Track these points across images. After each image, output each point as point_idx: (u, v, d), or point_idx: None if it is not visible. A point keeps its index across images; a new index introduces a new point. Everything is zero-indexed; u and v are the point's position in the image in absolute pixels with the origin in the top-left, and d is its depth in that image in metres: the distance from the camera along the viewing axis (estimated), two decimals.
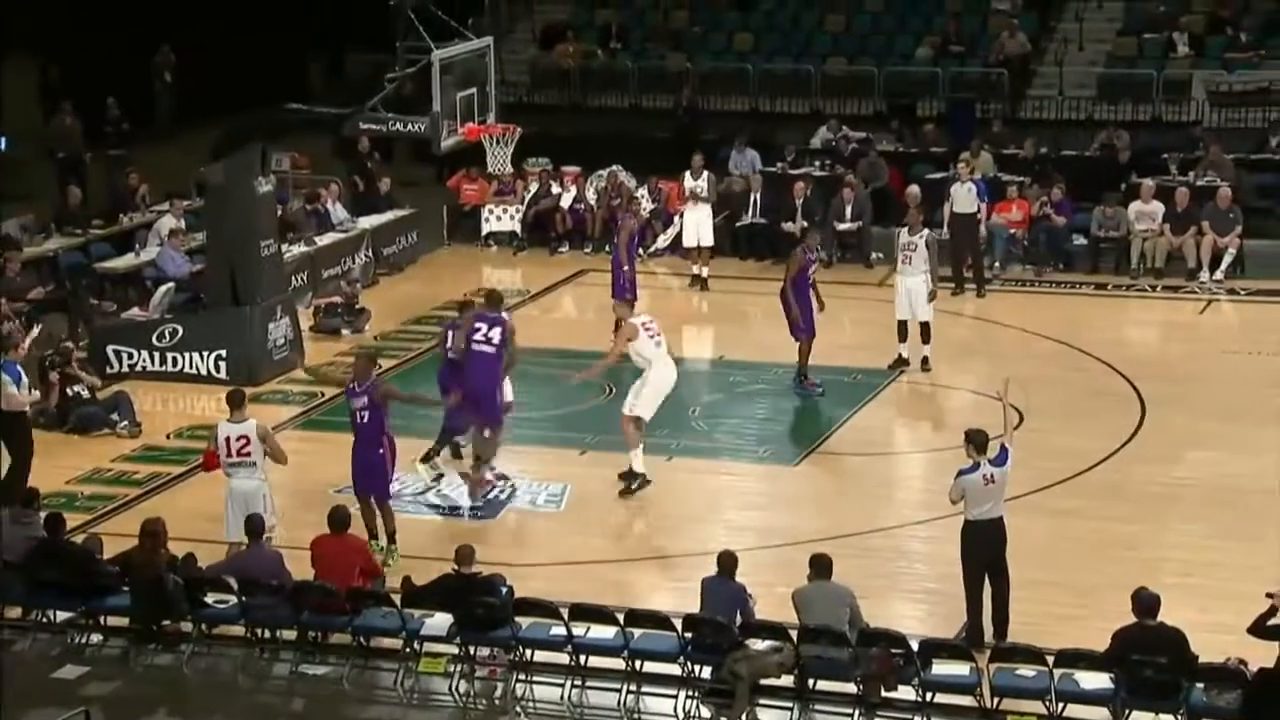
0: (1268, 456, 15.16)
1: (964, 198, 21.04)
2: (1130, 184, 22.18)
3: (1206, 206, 21.40)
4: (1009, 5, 27.89)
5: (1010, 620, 11.93)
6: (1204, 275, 21.16)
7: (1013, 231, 21.98)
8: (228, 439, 13.07)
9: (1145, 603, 10.82)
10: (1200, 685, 10.64)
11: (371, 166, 24.23)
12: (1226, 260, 21.18)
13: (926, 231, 17.91)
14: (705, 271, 21.69)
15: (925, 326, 17.79)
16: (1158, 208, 21.55)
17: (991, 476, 11.93)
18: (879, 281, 18.25)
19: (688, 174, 22.06)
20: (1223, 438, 15.84)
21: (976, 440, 12.08)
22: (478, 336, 14.65)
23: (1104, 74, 26.38)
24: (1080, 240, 22.05)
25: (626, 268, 19.12)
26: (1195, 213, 21.37)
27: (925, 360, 17.85)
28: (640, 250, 22.76)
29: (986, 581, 11.97)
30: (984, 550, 11.95)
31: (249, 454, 13.02)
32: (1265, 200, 22.70)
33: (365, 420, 13.56)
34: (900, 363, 17.87)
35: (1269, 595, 10.62)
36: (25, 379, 15.08)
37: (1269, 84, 24.98)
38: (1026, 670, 10.98)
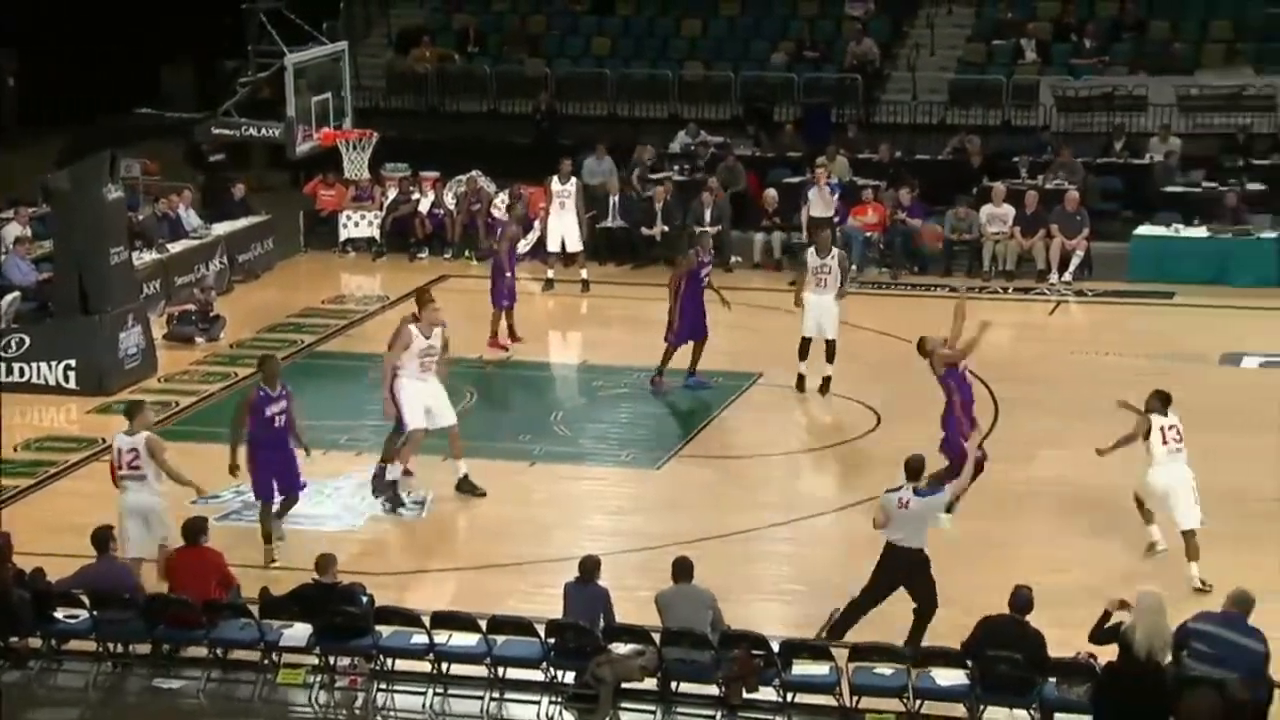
0: (1117, 455, 15.49)
1: (819, 202, 21.28)
2: (982, 187, 22.62)
3: (1055, 209, 21.87)
4: (862, 11, 28.27)
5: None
6: (1053, 277, 21.61)
7: (868, 235, 22.28)
8: (119, 450, 12.89)
9: (1020, 602, 10.97)
10: (1052, 680, 10.85)
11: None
12: (1075, 262, 21.65)
13: (837, 251, 17.71)
14: (584, 274, 21.79)
15: (831, 345, 17.39)
16: (1009, 210, 21.98)
17: (907, 502, 11.82)
18: (792, 283, 17.94)
19: (555, 178, 22.02)
20: (1074, 437, 16.14)
21: (909, 466, 12.06)
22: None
23: (955, 79, 26.84)
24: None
25: (508, 274, 19.11)
26: (1045, 215, 21.83)
27: (827, 381, 17.38)
28: None
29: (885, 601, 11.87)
30: (890, 575, 11.87)
31: (139, 467, 12.81)
32: (1110, 203, 23.24)
33: (283, 423, 13.54)
34: (801, 383, 17.53)
35: (1108, 605, 10.78)
36: None
37: (1112, 89, 25.60)
38: (885, 669, 11.11)
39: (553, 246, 21.99)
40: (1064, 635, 11.20)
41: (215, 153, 24.66)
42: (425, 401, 14.54)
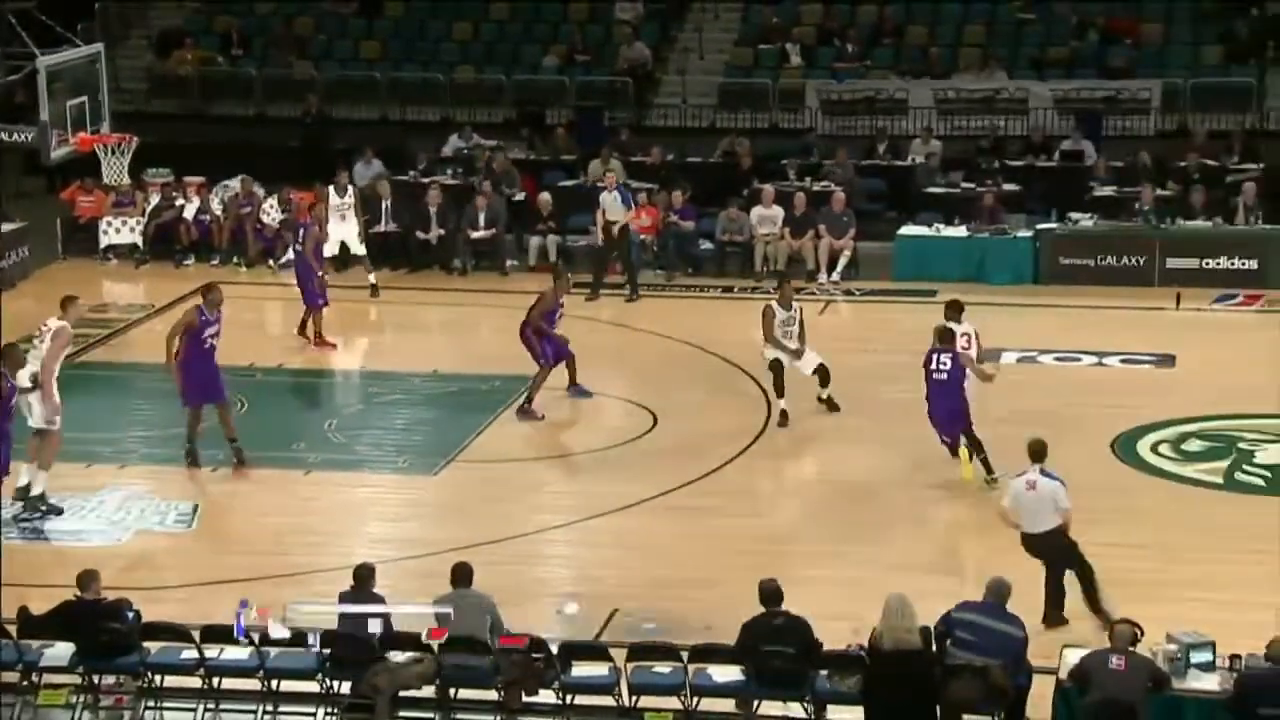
0: (887, 450, 15.88)
1: (613, 205, 21.45)
2: (752, 189, 23.00)
3: (822, 210, 22.33)
4: (631, 15, 28.50)
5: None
6: (822, 277, 22.05)
7: (643, 237, 22.47)
8: None
9: (768, 592, 11.18)
10: (824, 672, 11.05)
11: None
12: (842, 262, 22.10)
13: (798, 306, 17.22)
14: (373, 278, 21.41)
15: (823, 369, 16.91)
16: (778, 212, 22.35)
17: (1034, 484, 12.26)
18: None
19: (332, 189, 21.60)
20: (844, 434, 16.52)
21: (1033, 448, 12.51)
22: None
23: (723, 83, 27.23)
24: (707, 245, 22.71)
25: (319, 274, 18.96)
26: (813, 217, 22.28)
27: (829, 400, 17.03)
28: (271, 262, 22.38)
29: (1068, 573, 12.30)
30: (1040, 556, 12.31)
31: None
32: (874, 204, 23.82)
33: (12, 406, 14.17)
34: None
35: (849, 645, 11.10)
36: None
37: (874, 93, 26.29)
38: (662, 667, 11.20)
39: (330, 252, 21.66)
40: (833, 628, 11.35)
41: None
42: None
